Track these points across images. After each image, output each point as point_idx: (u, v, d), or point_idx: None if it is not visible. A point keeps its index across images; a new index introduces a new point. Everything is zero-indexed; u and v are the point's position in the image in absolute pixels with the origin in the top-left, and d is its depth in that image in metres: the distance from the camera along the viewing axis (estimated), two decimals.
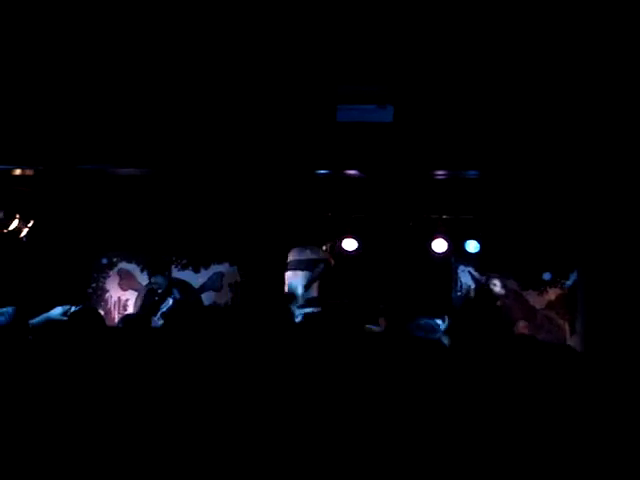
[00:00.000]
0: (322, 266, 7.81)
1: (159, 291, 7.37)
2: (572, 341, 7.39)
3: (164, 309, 7.24)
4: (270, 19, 5.03)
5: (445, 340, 4.87)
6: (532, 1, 4.86)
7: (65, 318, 6.83)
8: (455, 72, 5.83)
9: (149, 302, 7.35)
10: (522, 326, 7.64)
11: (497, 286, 7.97)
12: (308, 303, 7.57)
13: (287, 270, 7.75)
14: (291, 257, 7.79)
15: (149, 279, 7.50)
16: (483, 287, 8.11)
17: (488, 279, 8.28)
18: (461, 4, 4.98)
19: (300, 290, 7.57)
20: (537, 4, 4.96)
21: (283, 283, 7.74)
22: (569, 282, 7.86)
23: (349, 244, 8.38)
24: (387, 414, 3.25)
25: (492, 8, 4.97)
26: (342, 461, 3.16)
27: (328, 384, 3.39)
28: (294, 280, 7.65)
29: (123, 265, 8.44)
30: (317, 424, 3.21)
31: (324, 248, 8.18)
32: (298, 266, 7.70)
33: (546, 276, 8.07)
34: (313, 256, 7.80)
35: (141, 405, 3.34)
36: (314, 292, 7.70)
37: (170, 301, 7.29)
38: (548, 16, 5.07)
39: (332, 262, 8.03)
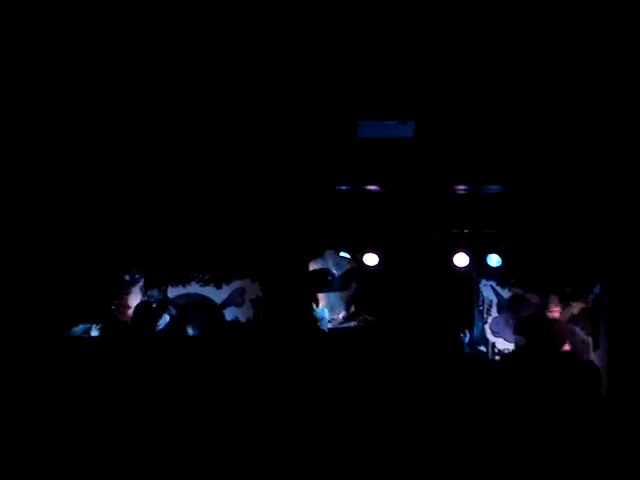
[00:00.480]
0: (355, 284, 7.93)
1: (153, 305, 7.42)
2: (595, 356, 7.33)
3: (161, 326, 7.25)
4: (293, 38, 5.07)
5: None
6: (553, 20, 4.86)
7: (86, 335, 6.91)
8: (476, 88, 5.84)
9: (142, 315, 7.39)
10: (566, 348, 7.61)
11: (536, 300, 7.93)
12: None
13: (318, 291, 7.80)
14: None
15: (145, 292, 7.54)
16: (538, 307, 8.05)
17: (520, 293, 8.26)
18: (483, 23, 4.99)
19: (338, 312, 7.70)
20: (558, 23, 4.96)
21: (308, 298, 7.77)
22: (592, 296, 7.81)
23: (371, 259, 8.39)
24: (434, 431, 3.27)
25: (514, 26, 4.98)
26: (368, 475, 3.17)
27: (362, 395, 3.40)
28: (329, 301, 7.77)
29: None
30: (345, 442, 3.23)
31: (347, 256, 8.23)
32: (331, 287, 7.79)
33: (568, 289, 8.02)
34: (340, 272, 7.87)
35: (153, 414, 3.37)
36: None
37: (167, 317, 7.30)
38: (572, 34, 5.07)
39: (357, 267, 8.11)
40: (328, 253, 8.11)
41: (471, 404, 3.46)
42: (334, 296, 7.89)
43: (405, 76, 5.59)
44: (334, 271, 7.81)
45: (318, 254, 8.14)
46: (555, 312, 7.48)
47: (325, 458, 3.28)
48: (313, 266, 7.92)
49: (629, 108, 5.89)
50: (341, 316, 7.86)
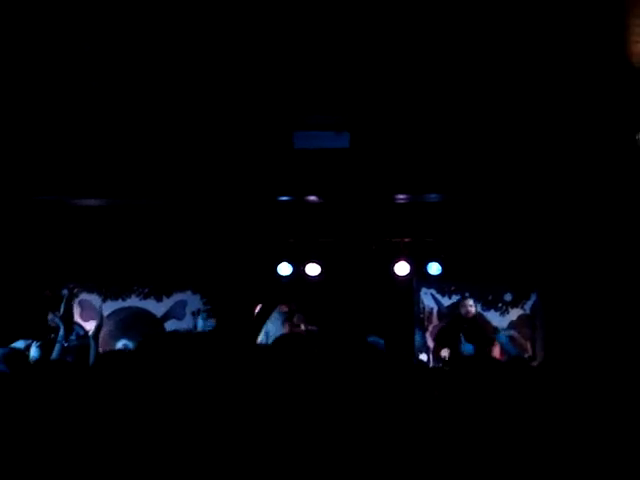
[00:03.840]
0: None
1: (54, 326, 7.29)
2: (533, 362, 7.44)
3: (66, 344, 7.07)
4: (227, 50, 5.04)
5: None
6: (486, 30, 4.91)
7: (26, 352, 6.74)
8: (411, 98, 5.88)
9: (47, 340, 7.22)
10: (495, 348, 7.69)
11: (471, 307, 8.01)
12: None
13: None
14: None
15: (48, 317, 7.42)
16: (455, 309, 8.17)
17: (458, 300, 8.33)
18: (415, 33, 5.02)
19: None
20: (491, 34, 5.02)
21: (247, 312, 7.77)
22: (530, 302, 7.93)
23: (312, 269, 8.39)
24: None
25: (447, 35, 5.02)
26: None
27: (298, 403, 3.38)
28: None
29: (84, 296, 8.38)
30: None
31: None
32: None
33: (507, 297, 8.13)
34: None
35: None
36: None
37: (73, 337, 7.10)
38: (503, 43, 5.13)
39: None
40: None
41: (416, 411, 3.45)
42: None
43: (339, 87, 5.60)
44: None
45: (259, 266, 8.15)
46: (471, 307, 7.66)
47: (261, 470, 3.25)
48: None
49: (564, 118, 5.99)
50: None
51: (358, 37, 5.00)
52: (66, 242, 8.02)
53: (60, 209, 7.65)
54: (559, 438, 3.37)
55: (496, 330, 7.80)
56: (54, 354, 6.69)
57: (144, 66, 5.15)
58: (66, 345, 6.81)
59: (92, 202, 7.49)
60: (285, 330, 7.92)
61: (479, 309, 8.08)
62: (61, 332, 6.93)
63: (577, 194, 6.62)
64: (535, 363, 7.40)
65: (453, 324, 7.93)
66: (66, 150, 6.53)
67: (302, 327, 7.91)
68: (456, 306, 8.19)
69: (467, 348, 7.35)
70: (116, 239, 8.07)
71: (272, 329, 7.88)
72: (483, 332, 7.70)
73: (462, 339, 7.48)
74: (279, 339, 4.40)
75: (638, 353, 6.14)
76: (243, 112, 6.01)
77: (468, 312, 7.82)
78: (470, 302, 7.86)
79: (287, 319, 8.12)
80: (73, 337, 7.02)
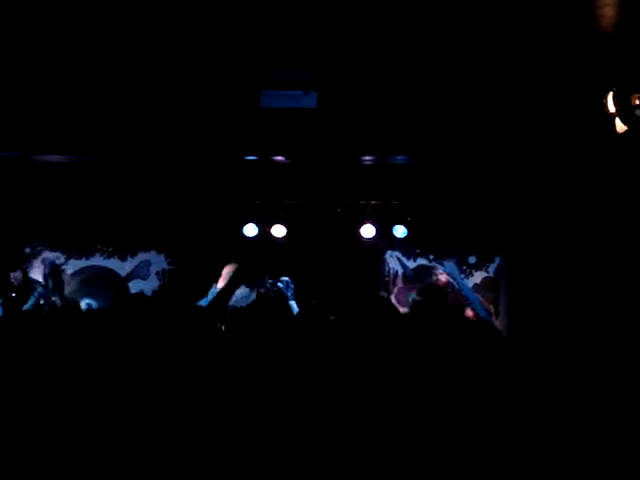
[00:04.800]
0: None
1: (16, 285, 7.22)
2: (496, 324, 7.52)
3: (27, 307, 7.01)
4: (189, 4, 4.95)
5: None
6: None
7: None
8: (380, 57, 5.84)
9: (9, 298, 7.15)
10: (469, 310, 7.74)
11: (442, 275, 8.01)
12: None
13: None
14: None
15: (8, 274, 7.33)
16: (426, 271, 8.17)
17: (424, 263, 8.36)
18: None
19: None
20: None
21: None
22: (493, 265, 8.01)
23: (278, 230, 8.38)
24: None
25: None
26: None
27: (260, 370, 3.37)
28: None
29: (47, 254, 8.30)
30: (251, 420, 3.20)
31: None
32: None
33: (471, 259, 8.20)
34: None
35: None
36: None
37: (33, 299, 7.04)
38: (473, 4, 5.10)
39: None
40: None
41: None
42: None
43: (308, 43, 5.54)
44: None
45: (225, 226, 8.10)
46: (442, 276, 7.67)
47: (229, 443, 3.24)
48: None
49: (531, 82, 6.00)
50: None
51: None
52: (28, 199, 7.92)
53: (22, 165, 7.53)
54: (519, 402, 3.42)
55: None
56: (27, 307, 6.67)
57: (107, 20, 5.05)
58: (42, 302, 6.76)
59: (55, 158, 7.38)
60: (253, 293, 7.88)
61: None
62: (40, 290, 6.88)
63: (543, 158, 6.65)
64: (498, 325, 7.49)
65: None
66: (29, 105, 6.41)
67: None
68: (424, 273, 8.23)
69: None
70: (80, 197, 7.98)
71: (238, 291, 7.81)
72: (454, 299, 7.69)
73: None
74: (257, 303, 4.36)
75: (596, 316, 6.23)
76: (209, 69, 5.93)
77: (438, 280, 7.81)
78: (439, 270, 7.83)
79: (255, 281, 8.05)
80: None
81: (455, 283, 6.83)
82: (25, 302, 6.75)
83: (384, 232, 8.28)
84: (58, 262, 7.96)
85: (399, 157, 7.60)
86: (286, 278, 6.28)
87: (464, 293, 6.70)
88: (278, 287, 6.46)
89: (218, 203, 8.21)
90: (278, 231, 8.35)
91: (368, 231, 8.25)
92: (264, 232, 8.31)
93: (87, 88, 6.27)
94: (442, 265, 7.23)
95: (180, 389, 3.32)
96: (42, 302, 6.65)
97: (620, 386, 3.96)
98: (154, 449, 3.12)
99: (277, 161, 7.52)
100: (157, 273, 8.38)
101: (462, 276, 7.00)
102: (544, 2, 4.69)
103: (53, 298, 6.68)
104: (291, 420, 3.21)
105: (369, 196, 8.31)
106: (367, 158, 7.63)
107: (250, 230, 8.27)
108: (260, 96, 6.11)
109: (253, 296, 7.54)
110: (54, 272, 6.94)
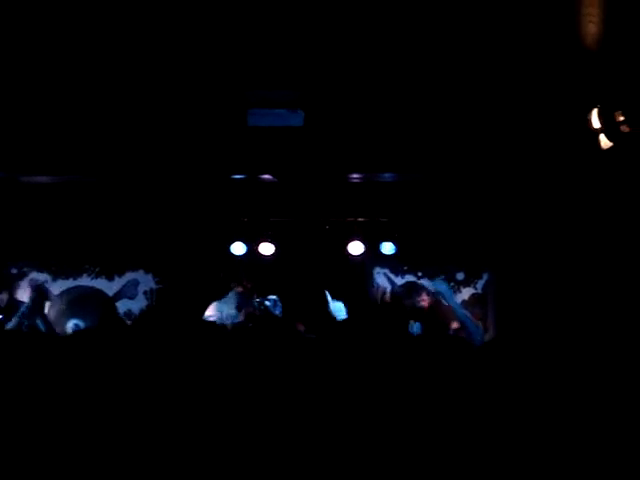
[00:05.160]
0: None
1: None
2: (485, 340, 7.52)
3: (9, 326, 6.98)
4: (176, 24, 4.96)
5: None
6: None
7: None
8: (366, 75, 5.86)
9: None
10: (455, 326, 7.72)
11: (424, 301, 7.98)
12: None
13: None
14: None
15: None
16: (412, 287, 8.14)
17: (412, 280, 8.36)
18: (369, 7, 4.99)
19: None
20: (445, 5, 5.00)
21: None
22: (482, 282, 8.03)
23: (266, 249, 8.37)
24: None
25: (400, 13, 4.99)
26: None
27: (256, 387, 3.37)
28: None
29: (34, 275, 8.27)
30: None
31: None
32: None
33: (459, 276, 8.22)
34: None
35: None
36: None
37: (15, 320, 6.98)
38: (457, 21, 5.12)
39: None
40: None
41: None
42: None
43: (295, 64, 5.56)
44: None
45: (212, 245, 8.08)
46: (424, 301, 7.63)
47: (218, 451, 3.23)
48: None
49: (516, 99, 6.03)
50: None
51: (313, 13, 4.96)
52: (14, 220, 7.89)
53: (9, 186, 7.51)
54: (507, 416, 3.42)
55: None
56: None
57: (92, 37, 5.05)
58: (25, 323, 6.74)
59: (42, 179, 7.37)
60: (240, 312, 7.85)
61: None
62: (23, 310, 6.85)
63: (529, 175, 6.68)
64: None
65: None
66: (14, 126, 6.40)
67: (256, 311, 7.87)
68: (412, 289, 8.21)
69: (416, 328, 7.37)
70: (67, 217, 7.96)
71: (225, 308, 7.81)
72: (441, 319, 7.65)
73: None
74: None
75: (586, 331, 6.24)
76: (196, 89, 5.94)
77: (423, 300, 7.72)
78: (423, 295, 7.71)
79: (242, 300, 8.02)
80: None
81: (444, 301, 6.82)
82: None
83: (372, 249, 8.29)
84: (44, 282, 7.91)
85: (386, 174, 7.62)
86: (274, 296, 6.28)
87: (454, 311, 6.70)
88: (265, 305, 6.46)
89: (206, 222, 8.21)
90: (266, 249, 8.35)
91: (356, 248, 8.26)
92: (252, 250, 8.30)
93: (71, 108, 6.26)
94: (432, 283, 7.21)
95: (170, 403, 3.31)
96: (25, 323, 6.64)
97: (607, 401, 3.97)
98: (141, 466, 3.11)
99: (264, 179, 7.53)
100: (145, 292, 8.36)
101: (452, 292, 7.00)
102: (529, 20, 4.72)
103: (36, 320, 6.67)
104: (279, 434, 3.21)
105: (357, 213, 8.32)
106: (355, 176, 7.66)
107: (238, 248, 8.26)
108: (247, 115, 6.12)
109: (240, 315, 7.53)
110: (37, 293, 6.93)
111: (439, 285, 7.14)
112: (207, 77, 5.72)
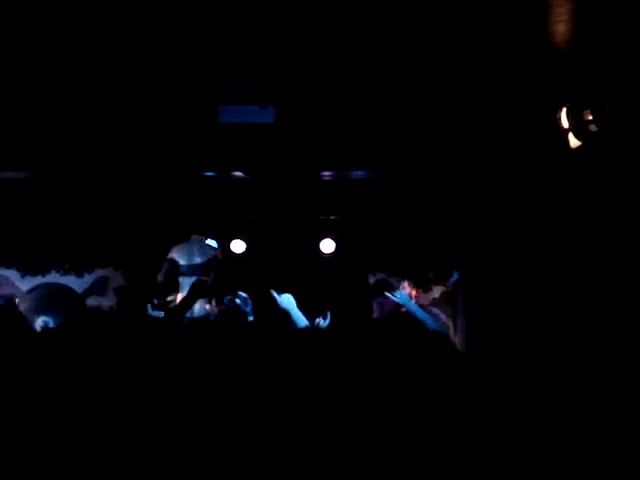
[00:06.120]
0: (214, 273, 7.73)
1: None
2: (455, 338, 7.56)
3: None
4: (145, 20, 4.92)
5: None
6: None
7: None
8: (338, 72, 5.85)
9: None
10: None
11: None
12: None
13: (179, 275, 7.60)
14: (181, 261, 7.64)
15: None
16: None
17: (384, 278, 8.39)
18: (340, 3, 4.97)
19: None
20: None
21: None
22: (452, 279, 8.07)
23: (237, 246, 8.36)
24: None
25: (367, 8, 4.98)
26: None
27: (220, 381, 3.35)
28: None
29: (1, 272, 8.21)
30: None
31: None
32: (191, 272, 7.58)
33: (430, 273, 8.26)
34: (204, 259, 7.70)
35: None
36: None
37: None
38: (426, 19, 5.12)
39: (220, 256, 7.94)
40: (194, 238, 7.94)
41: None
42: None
43: (263, 59, 5.54)
44: (197, 258, 7.66)
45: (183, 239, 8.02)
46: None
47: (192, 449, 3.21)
48: (177, 251, 7.72)
49: (484, 98, 6.05)
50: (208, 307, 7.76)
51: (284, 8, 4.94)
52: None
53: None
54: (476, 414, 3.42)
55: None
56: None
57: (63, 34, 5.00)
58: None
59: (9, 175, 7.29)
60: (207, 306, 7.81)
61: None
62: None
63: (498, 174, 6.71)
64: (455, 340, 7.52)
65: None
66: None
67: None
68: (384, 286, 8.22)
69: None
70: (35, 214, 7.90)
71: (196, 307, 7.75)
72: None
73: None
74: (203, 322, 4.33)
75: (555, 330, 6.28)
76: (166, 85, 5.90)
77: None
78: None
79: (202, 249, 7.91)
80: None
81: (407, 308, 6.84)
82: None
83: (345, 247, 8.31)
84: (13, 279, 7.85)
85: (358, 172, 7.63)
86: (244, 294, 6.26)
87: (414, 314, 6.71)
88: (236, 303, 6.43)
89: (176, 219, 8.17)
90: (237, 247, 8.34)
91: (328, 246, 8.27)
92: (223, 248, 8.27)
93: (36, 102, 6.20)
94: (394, 295, 7.16)
95: (141, 404, 3.28)
96: None
97: (581, 402, 3.99)
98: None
99: (236, 177, 7.51)
100: (114, 290, 8.33)
101: (413, 302, 6.99)
102: (497, 19, 4.74)
103: None
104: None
105: (329, 211, 8.33)
106: (326, 173, 7.65)
107: None
108: (217, 111, 6.10)
109: (209, 310, 7.50)
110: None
111: (399, 296, 7.10)
112: (177, 73, 5.69)
